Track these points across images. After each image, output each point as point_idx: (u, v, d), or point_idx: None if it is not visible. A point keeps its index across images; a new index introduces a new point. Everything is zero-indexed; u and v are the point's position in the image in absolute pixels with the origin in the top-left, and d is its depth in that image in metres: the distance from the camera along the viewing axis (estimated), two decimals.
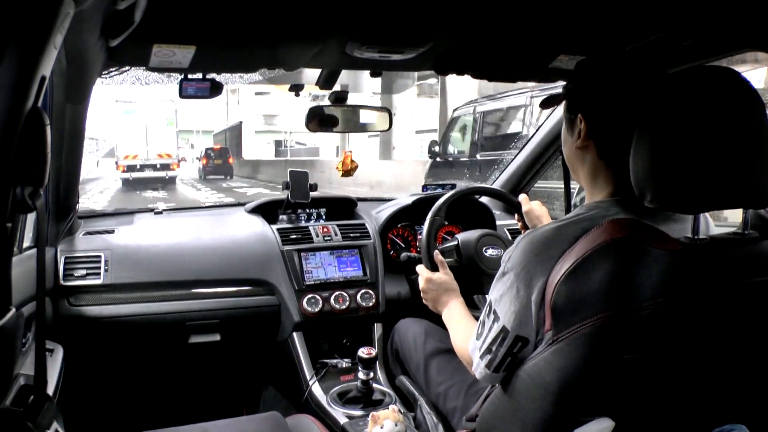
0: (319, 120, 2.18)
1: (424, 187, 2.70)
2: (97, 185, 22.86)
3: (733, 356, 1.05)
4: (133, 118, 22.88)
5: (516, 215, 2.04)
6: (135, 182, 21.95)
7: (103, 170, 27.67)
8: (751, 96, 0.97)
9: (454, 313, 1.60)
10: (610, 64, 1.19)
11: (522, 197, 1.99)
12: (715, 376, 1.05)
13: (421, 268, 1.79)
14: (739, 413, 1.08)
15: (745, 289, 1.00)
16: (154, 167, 22.58)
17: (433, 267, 1.79)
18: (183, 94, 1.73)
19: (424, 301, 1.75)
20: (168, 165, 22.83)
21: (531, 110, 7.54)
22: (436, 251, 1.82)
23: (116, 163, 22.63)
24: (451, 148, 9.22)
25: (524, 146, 2.73)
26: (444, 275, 1.73)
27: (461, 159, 8.64)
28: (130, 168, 22.21)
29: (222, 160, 28.20)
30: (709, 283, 0.98)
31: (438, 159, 9.23)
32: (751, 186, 0.97)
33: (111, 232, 2.28)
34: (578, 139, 1.20)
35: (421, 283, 1.75)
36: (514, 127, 7.72)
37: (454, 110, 9.94)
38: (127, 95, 22.40)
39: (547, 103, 1.45)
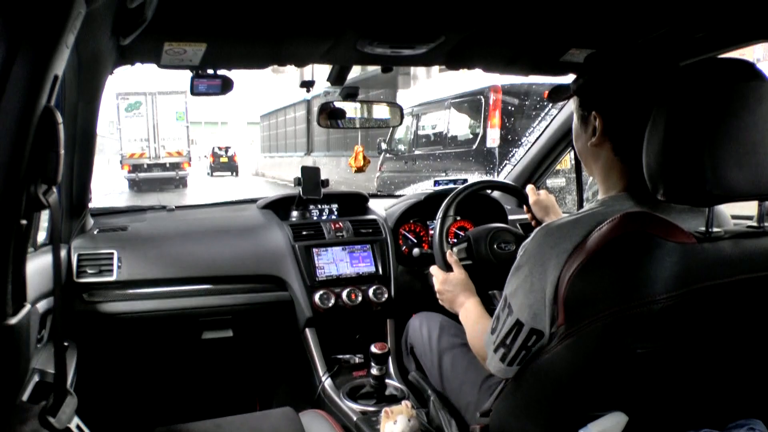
0: (329, 115, 2.18)
1: (436, 182, 2.70)
2: None
3: (747, 350, 1.04)
4: (139, 112, 20.33)
5: (525, 207, 2.03)
6: (142, 182, 20.23)
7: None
8: (765, 87, 0.96)
9: (471, 313, 1.59)
10: (625, 58, 1.18)
11: (529, 188, 1.98)
12: (730, 371, 1.04)
13: (435, 269, 1.79)
14: (755, 408, 1.07)
15: (760, 282, 0.99)
16: (162, 167, 20.58)
17: (447, 267, 1.78)
18: (194, 91, 1.74)
19: (440, 302, 1.74)
20: (178, 164, 20.83)
21: (450, 115, 8.79)
22: (449, 251, 1.81)
23: (120, 162, 20.72)
24: (398, 144, 10.53)
25: (536, 140, 2.71)
26: (458, 275, 1.72)
27: (404, 154, 10.04)
28: (136, 167, 20.33)
29: (228, 158, 28.85)
30: (724, 277, 0.97)
31: (387, 154, 10.55)
32: (766, 178, 0.96)
33: (124, 228, 2.29)
34: (593, 137, 1.19)
35: (436, 285, 1.74)
36: (439, 129, 9.09)
37: None
38: (133, 87, 19.60)
39: (554, 96, 1.42)
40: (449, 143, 8.69)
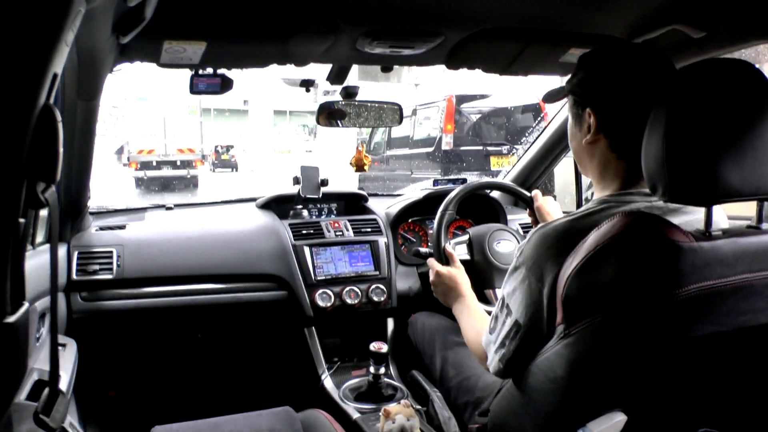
0: (329, 115, 2.18)
1: (435, 182, 2.70)
2: None
3: (746, 350, 1.04)
4: (148, 104, 18.18)
5: (527, 210, 2.04)
6: (150, 182, 17.93)
7: None
8: (765, 87, 0.96)
9: (465, 308, 1.59)
10: (618, 56, 1.18)
11: (535, 192, 1.98)
12: (729, 371, 1.04)
13: (431, 262, 1.79)
14: (754, 409, 1.07)
15: (759, 282, 0.99)
16: (173, 164, 18.40)
17: (444, 261, 1.78)
18: (194, 90, 1.74)
19: (434, 294, 1.75)
20: (190, 162, 18.69)
21: (414, 119, 9.77)
22: (447, 245, 1.81)
23: (128, 159, 18.40)
24: (378, 147, 11.24)
25: (535, 140, 2.71)
26: (454, 269, 1.72)
27: (380, 155, 10.79)
28: (145, 165, 18.07)
29: (229, 155, 29.19)
30: (723, 277, 0.97)
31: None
32: (766, 177, 0.96)
33: (122, 227, 2.29)
34: (588, 134, 1.19)
35: (432, 277, 1.75)
36: (406, 133, 9.99)
37: None
38: (142, 80, 18.27)
39: (550, 98, 1.43)
40: (414, 145, 9.77)
